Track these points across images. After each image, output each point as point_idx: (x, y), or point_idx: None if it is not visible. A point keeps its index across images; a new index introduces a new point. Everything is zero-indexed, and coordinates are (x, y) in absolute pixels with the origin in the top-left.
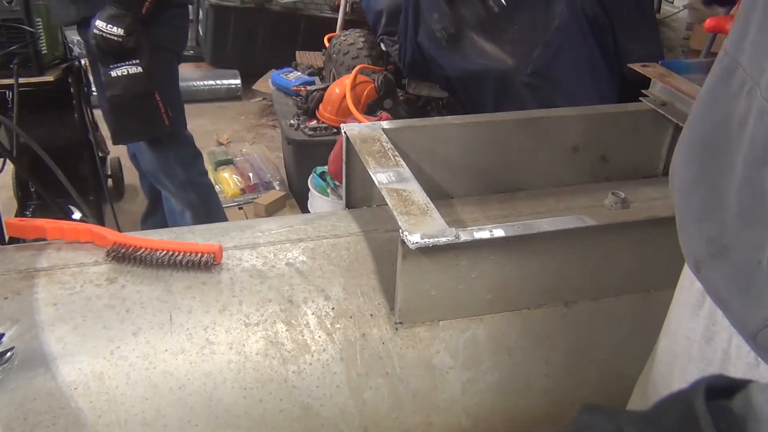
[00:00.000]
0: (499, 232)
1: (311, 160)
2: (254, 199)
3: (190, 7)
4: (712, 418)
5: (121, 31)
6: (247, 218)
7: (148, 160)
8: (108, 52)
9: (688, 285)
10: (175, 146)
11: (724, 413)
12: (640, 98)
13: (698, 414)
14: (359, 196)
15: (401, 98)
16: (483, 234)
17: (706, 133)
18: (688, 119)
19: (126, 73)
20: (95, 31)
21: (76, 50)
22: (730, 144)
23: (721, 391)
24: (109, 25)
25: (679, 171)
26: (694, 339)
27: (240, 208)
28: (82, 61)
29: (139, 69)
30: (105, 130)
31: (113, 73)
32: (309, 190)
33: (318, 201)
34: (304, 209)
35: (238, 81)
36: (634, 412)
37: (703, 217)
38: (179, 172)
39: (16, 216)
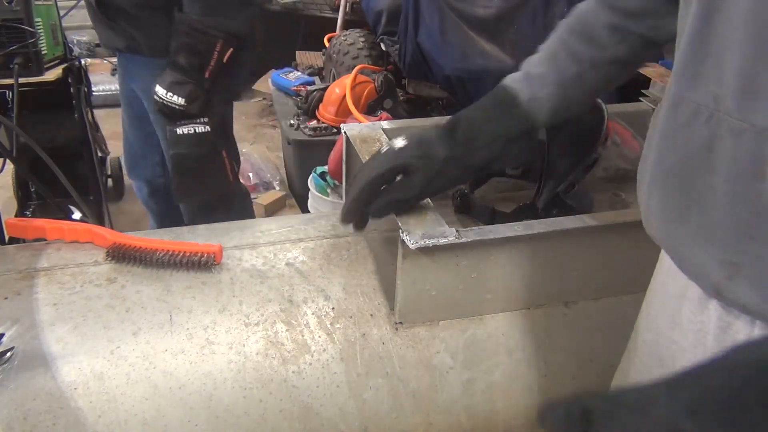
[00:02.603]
0: (499, 232)
1: (311, 160)
2: (254, 199)
3: None
4: None
5: (182, 101)
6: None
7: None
8: (172, 114)
9: (671, 280)
10: (229, 207)
11: None
12: (640, 98)
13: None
14: None
15: (401, 98)
16: (483, 234)
17: (675, 163)
18: (645, 160)
19: (193, 131)
20: (156, 97)
21: (76, 50)
22: (702, 168)
23: None
24: (169, 93)
25: (662, 206)
26: (707, 330)
27: None
28: (83, 61)
29: (207, 128)
30: (105, 130)
31: (179, 131)
32: (309, 190)
33: (318, 201)
34: (304, 209)
35: None
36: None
37: (706, 241)
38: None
39: (16, 216)
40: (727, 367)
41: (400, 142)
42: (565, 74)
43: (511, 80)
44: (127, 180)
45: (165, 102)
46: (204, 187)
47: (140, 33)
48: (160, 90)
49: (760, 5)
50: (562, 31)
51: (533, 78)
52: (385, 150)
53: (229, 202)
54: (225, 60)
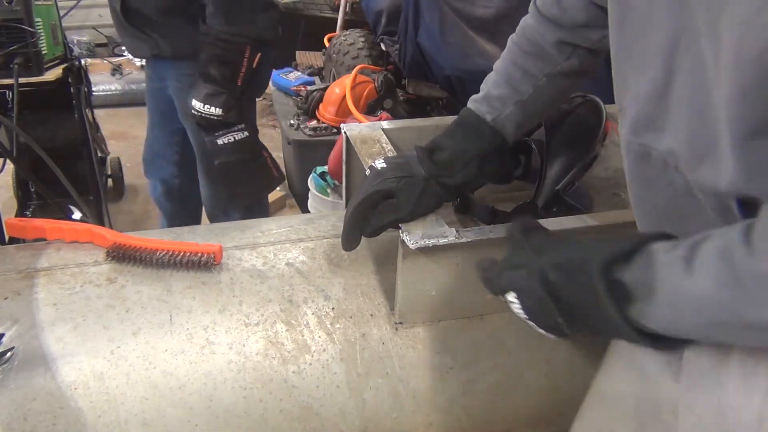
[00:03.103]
0: (499, 232)
1: (311, 160)
2: None
3: None
4: (611, 295)
5: (219, 111)
6: None
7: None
8: (210, 126)
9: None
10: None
11: (620, 288)
12: None
13: (597, 293)
14: None
15: (401, 98)
16: (483, 234)
17: (656, 207)
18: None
19: (233, 140)
20: (193, 111)
21: (76, 50)
22: (683, 211)
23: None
24: (206, 106)
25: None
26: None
27: None
28: (83, 61)
29: (245, 134)
30: (105, 130)
31: (220, 142)
32: (309, 190)
33: (318, 201)
34: (304, 209)
35: None
36: (558, 255)
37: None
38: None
39: (16, 216)
40: (581, 245)
41: (380, 163)
42: (522, 93)
43: (473, 102)
44: (127, 180)
45: (203, 115)
46: (252, 190)
47: (163, 37)
48: (196, 104)
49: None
50: (512, 52)
51: (493, 100)
52: (367, 174)
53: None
54: (254, 65)
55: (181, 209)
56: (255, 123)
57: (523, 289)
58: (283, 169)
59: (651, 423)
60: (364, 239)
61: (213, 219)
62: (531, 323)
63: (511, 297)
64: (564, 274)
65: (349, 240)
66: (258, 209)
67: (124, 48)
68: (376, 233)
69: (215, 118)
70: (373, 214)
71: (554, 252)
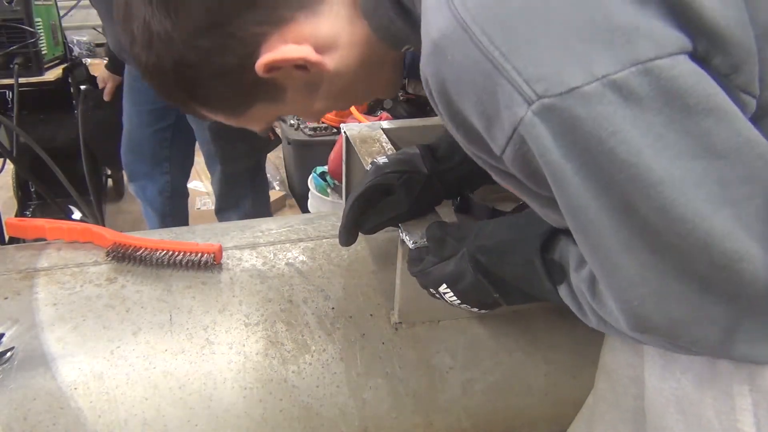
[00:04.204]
0: None
1: (311, 160)
2: None
3: None
4: (546, 270)
5: None
6: None
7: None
8: None
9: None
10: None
11: (553, 265)
12: None
13: (537, 268)
14: None
15: (401, 98)
16: None
17: None
18: None
19: None
20: None
21: (76, 50)
22: None
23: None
24: None
25: None
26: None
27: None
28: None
29: None
30: None
31: None
32: (309, 190)
33: (318, 201)
34: (304, 209)
35: None
36: (485, 239)
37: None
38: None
39: (16, 216)
40: (504, 229)
41: (382, 159)
42: None
43: None
44: (127, 180)
45: None
46: (249, 149)
47: None
48: None
49: None
50: None
51: None
52: (368, 169)
53: (259, 173)
54: None
55: (172, 207)
56: None
57: (455, 276)
58: (283, 170)
59: (643, 389)
60: (363, 239)
61: (223, 201)
62: (464, 306)
63: (443, 288)
64: (496, 256)
65: (347, 235)
66: (262, 200)
67: None
68: (374, 230)
69: None
70: (372, 211)
71: (476, 238)
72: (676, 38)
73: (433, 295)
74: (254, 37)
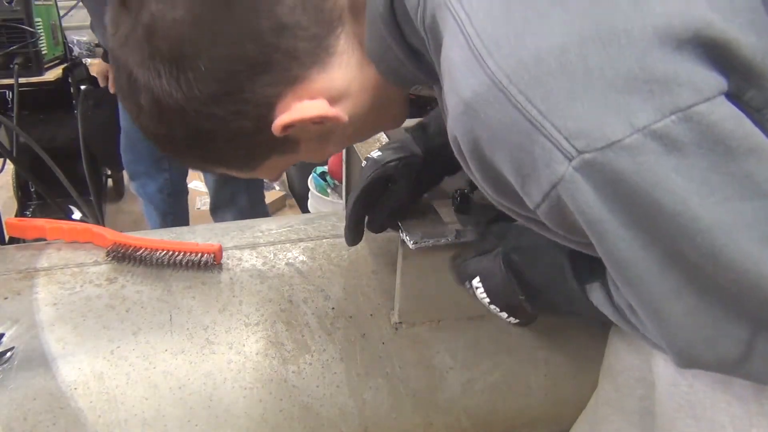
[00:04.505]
0: None
1: None
2: None
3: None
4: (574, 273)
5: None
6: None
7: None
8: None
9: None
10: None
11: (583, 270)
12: None
13: (565, 270)
14: None
15: None
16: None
17: None
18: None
19: None
20: None
21: (76, 50)
22: None
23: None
24: None
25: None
26: None
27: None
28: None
29: None
30: None
31: None
32: (309, 190)
33: (318, 201)
34: (304, 209)
35: None
36: (522, 239)
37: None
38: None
39: (16, 216)
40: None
41: (375, 153)
42: None
43: None
44: (127, 180)
45: None
46: None
47: None
48: None
49: None
50: None
51: None
52: (364, 165)
53: None
54: None
55: (172, 204)
56: None
57: (487, 271)
58: None
59: (651, 391)
60: (364, 238)
61: (218, 198)
62: (493, 306)
63: (476, 282)
64: (529, 257)
65: (353, 234)
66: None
67: None
68: (381, 228)
69: None
70: (376, 205)
71: (514, 237)
72: (714, 80)
73: (468, 290)
74: (268, 99)
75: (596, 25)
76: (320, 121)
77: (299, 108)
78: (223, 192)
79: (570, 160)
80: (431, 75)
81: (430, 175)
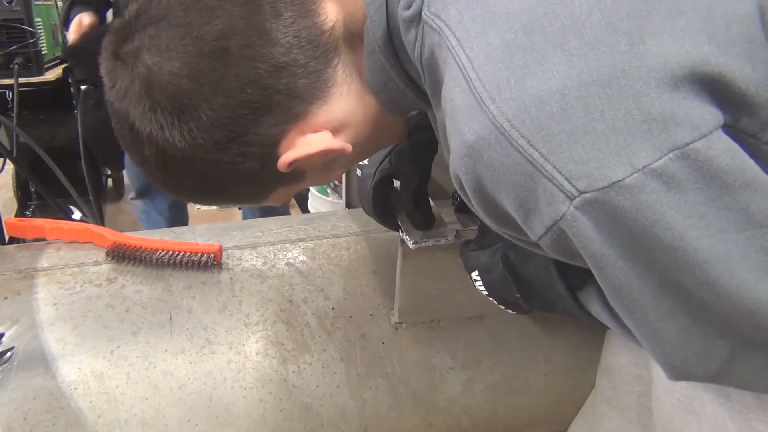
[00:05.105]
0: None
1: None
2: None
3: None
4: (560, 276)
5: None
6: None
7: None
8: None
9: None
10: None
11: (571, 273)
12: None
13: (551, 273)
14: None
15: None
16: None
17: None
18: None
19: None
20: None
21: None
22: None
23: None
24: None
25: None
26: None
27: (240, 208)
28: None
29: None
30: None
31: None
32: (309, 190)
33: (318, 201)
34: (304, 209)
35: None
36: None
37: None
38: None
39: (16, 216)
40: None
41: (361, 164)
42: None
43: None
44: (127, 180)
45: None
46: None
47: None
48: None
49: None
50: None
51: None
52: (359, 174)
53: None
54: None
55: (181, 212)
56: None
57: (486, 267)
58: None
59: (649, 388)
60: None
61: None
62: (491, 299)
63: (475, 275)
64: (524, 256)
65: (412, 225)
66: None
67: None
68: (422, 215)
69: None
70: (395, 205)
71: None
72: (710, 115)
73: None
74: (272, 138)
75: (596, 68)
76: (325, 154)
77: (304, 143)
78: None
79: (572, 200)
80: (427, 102)
81: (425, 148)
